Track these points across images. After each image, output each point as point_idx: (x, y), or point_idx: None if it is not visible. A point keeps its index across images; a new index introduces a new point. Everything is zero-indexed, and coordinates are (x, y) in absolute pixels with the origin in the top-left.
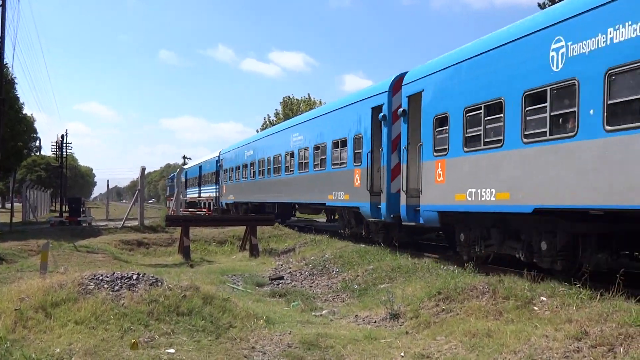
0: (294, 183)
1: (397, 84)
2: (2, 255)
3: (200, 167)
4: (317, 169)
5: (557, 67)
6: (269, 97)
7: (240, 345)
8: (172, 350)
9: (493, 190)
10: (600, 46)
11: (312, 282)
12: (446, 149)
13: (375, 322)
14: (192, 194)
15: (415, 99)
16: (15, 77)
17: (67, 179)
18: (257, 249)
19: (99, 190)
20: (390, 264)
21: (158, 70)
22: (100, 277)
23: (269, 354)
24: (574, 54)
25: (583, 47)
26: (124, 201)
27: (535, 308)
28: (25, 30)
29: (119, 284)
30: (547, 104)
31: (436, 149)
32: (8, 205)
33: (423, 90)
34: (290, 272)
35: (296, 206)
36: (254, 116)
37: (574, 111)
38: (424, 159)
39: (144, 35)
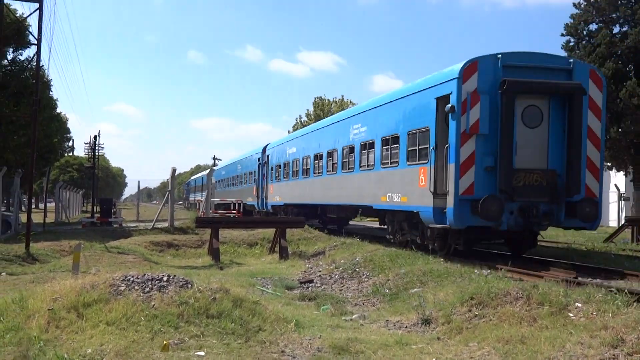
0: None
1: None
2: (35, 255)
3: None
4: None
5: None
6: (298, 97)
7: (270, 349)
8: (201, 353)
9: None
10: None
11: (342, 286)
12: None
13: (406, 327)
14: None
15: None
16: (51, 80)
17: (98, 179)
18: (286, 251)
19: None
20: (421, 268)
21: (186, 71)
22: (131, 279)
23: (298, 358)
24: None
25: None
26: (154, 202)
27: (570, 314)
28: (60, 31)
29: (150, 286)
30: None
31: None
32: (42, 205)
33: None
34: (320, 275)
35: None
36: (283, 117)
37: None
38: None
39: (172, 35)
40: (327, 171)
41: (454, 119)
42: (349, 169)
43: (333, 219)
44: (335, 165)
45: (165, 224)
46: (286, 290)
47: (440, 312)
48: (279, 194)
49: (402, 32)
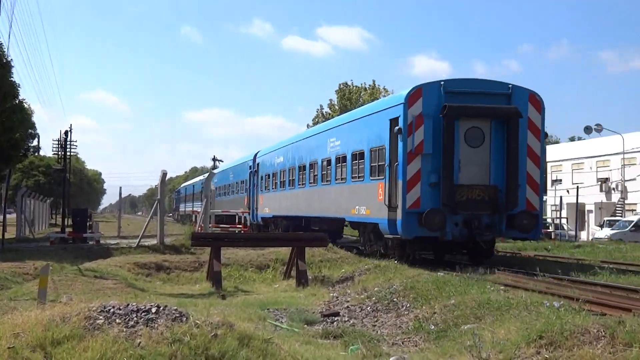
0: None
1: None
2: None
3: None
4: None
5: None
6: (318, 83)
7: None
8: None
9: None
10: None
11: (376, 320)
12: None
13: None
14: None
15: None
16: (11, 60)
17: (70, 185)
18: (305, 276)
19: (109, 199)
20: (476, 298)
21: (179, 51)
22: (112, 310)
23: None
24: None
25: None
26: (139, 214)
27: None
28: (24, 2)
29: (135, 319)
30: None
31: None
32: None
33: None
34: (347, 306)
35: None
36: (299, 108)
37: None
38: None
39: (161, 7)
40: (310, 183)
41: (402, 140)
42: (327, 181)
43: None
44: (316, 177)
45: (154, 241)
46: (305, 326)
47: (500, 354)
48: (268, 205)
49: (446, 4)
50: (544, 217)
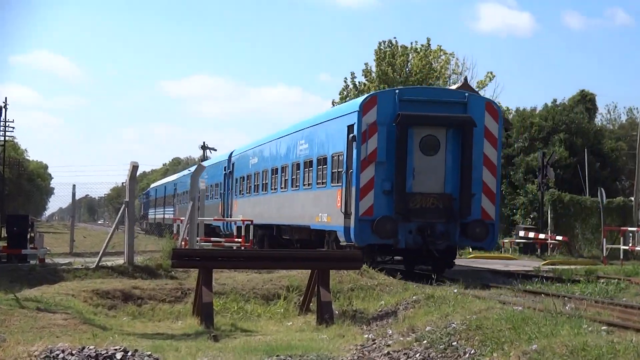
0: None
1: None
2: None
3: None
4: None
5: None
6: (350, 42)
7: None
8: None
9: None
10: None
11: None
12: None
13: None
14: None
15: None
16: None
17: (5, 182)
18: (330, 310)
19: (58, 202)
20: (567, 342)
21: None
22: (61, 356)
23: None
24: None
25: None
26: (100, 222)
27: None
28: None
29: None
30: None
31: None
32: None
33: None
34: (388, 352)
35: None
36: (320, 75)
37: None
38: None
39: None
40: (281, 188)
41: (356, 147)
42: (296, 186)
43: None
44: (287, 181)
45: (120, 260)
46: None
47: None
48: (242, 212)
49: None
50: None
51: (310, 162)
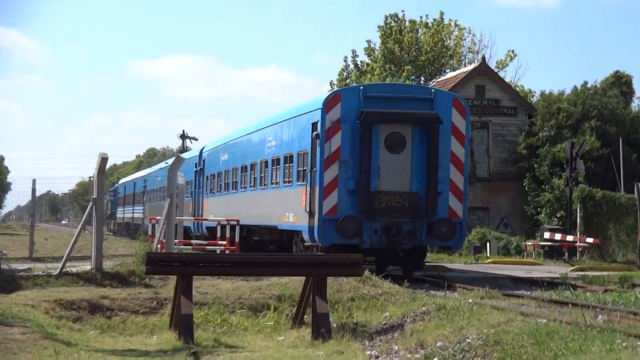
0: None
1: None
2: None
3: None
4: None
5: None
6: (350, 16)
7: None
8: None
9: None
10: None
11: None
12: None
13: None
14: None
15: None
16: None
17: None
18: (327, 323)
19: (16, 199)
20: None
21: None
22: None
23: None
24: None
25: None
26: (64, 222)
27: None
28: None
29: None
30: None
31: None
32: None
33: None
34: None
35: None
36: (315, 55)
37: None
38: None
39: None
40: (250, 186)
41: (320, 145)
42: (264, 185)
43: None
44: (256, 179)
45: (87, 266)
46: None
47: None
48: (213, 211)
49: None
50: None
51: (278, 159)
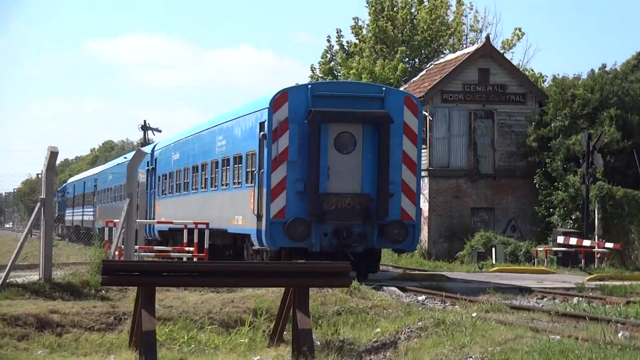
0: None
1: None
2: None
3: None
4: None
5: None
6: None
7: None
8: None
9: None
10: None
11: None
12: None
13: None
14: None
15: None
16: None
17: None
18: (309, 340)
19: None
20: None
21: None
22: None
23: None
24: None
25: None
26: (8, 225)
27: None
28: None
29: None
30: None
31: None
32: None
33: None
34: None
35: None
36: (298, 35)
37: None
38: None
39: None
40: (201, 188)
41: (267, 146)
42: (215, 186)
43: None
44: (207, 180)
45: (34, 276)
46: None
47: None
48: (165, 214)
49: None
50: None
51: (228, 160)
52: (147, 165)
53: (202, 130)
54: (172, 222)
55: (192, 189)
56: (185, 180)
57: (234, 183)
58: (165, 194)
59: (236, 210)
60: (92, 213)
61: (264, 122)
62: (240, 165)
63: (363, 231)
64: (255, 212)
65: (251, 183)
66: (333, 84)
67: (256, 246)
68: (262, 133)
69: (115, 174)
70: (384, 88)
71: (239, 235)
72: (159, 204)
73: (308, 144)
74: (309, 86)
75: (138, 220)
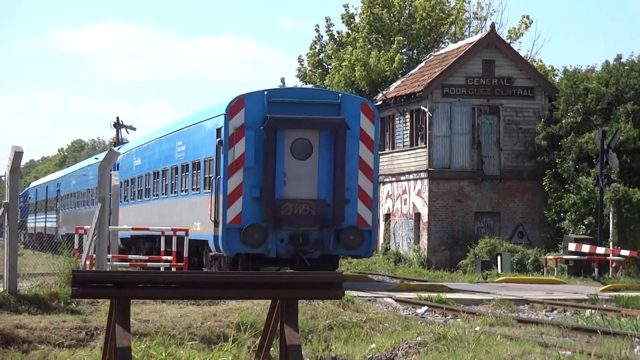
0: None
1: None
2: None
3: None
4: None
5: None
6: None
7: None
8: None
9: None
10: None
11: None
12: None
13: None
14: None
15: None
16: None
17: None
18: (298, 357)
19: None
20: None
21: None
22: None
23: None
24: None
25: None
26: None
27: None
28: None
29: None
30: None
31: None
32: None
33: None
34: None
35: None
36: (283, 21)
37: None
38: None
39: None
40: (162, 194)
41: (223, 152)
42: (174, 192)
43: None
44: (167, 187)
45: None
46: None
47: None
48: (127, 220)
49: None
50: None
51: (187, 166)
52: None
53: (163, 135)
54: (148, 229)
55: (153, 195)
56: (147, 187)
57: (193, 189)
58: (127, 201)
59: (195, 216)
60: (55, 219)
61: (220, 128)
62: (198, 171)
63: (319, 237)
64: (213, 218)
65: (209, 189)
66: (290, 90)
67: (213, 252)
68: (218, 139)
69: (79, 177)
70: (340, 94)
71: (199, 242)
72: (121, 210)
73: (264, 150)
74: (265, 92)
75: (111, 226)
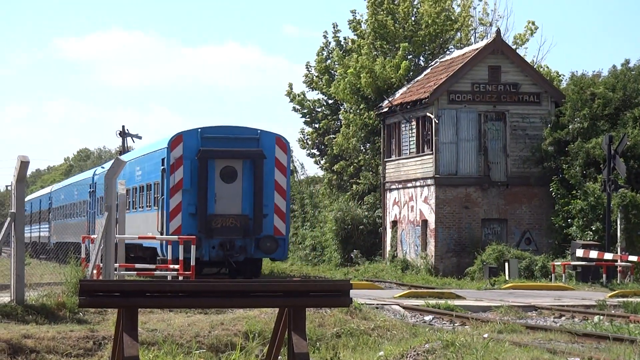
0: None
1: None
2: None
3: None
4: (142, 209)
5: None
6: None
7: None
8: None
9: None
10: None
11: None
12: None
13: None
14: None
15: None
16: None
17: None
18: None
19: None
20: None
21: None
22: None
23: None
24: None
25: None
26: None
27: None
28: None
29: None
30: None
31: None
32: None
33: None
34: None
35: None
36: (285, 27)
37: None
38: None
39: None
40: (134, 208)
41: (166, 177)
42: (135, 208)
43: None
44: (130, 203)
45: (5, 298)
46: None
47: None
48: (100, 231)
49: None
50: None
51: (143, 187)
52: (90, 188)
53: (128, 160)
54: (154, 238)
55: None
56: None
57: (146, 206)
58: (101, 214)
59: (148, 228)
60: (47, 229)
61: (164, 158)
62: (150, 192)
63: (243, 244)
64: (159, 230)
65: (157, 206)
66: (220, 128)
67: (160, 257)
68: (162, 167)
69: (67, 192)
70: (259, 131)
71: (152, 248)
72: (97, 222)
73: (198, 175)
74: (199, 130)
75: (118, 235)
